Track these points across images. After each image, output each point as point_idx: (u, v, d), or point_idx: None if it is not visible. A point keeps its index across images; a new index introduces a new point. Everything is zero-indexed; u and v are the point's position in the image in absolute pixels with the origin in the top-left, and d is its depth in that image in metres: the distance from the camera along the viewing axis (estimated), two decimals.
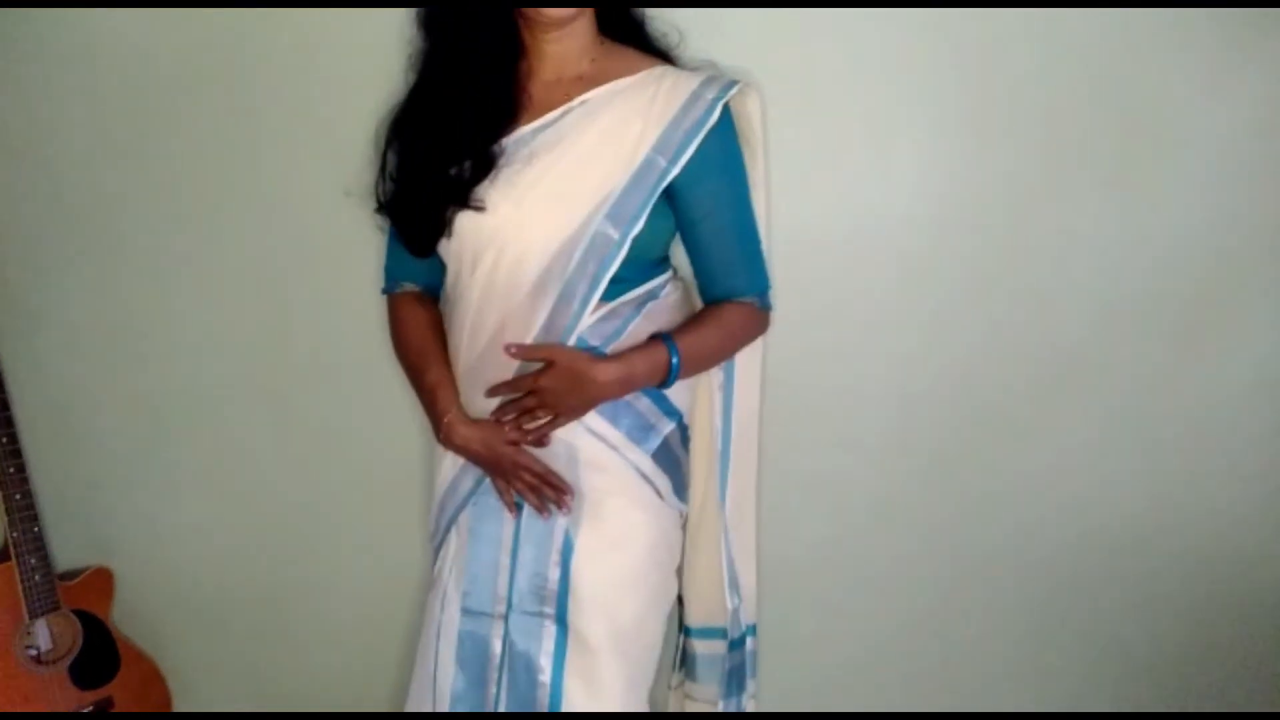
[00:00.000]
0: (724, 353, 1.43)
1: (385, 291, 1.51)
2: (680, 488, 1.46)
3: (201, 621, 1.91)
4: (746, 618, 1.58)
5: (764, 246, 1.42)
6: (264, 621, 1.90)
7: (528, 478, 1.33)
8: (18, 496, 1.68)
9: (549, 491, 1.33)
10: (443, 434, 1.38)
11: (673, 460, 1.43)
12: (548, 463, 1.34)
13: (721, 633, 1.55)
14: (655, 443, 1.39)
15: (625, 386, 1.31)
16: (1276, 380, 1.53)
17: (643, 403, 1.38)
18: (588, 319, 1.30)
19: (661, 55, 1.39)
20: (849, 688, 1.75)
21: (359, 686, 1.88)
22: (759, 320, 1.43)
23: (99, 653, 1.80)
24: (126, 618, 1.88)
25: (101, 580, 1.84)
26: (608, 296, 1.31)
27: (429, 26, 1.34)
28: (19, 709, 1.70)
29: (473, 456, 1.37)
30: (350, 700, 1.89)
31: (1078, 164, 1.47)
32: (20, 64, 1.61)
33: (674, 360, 1.31)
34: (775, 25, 1.46)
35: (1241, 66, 1.41)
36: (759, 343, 1.49)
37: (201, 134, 1.62)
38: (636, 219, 1.27)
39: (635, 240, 1.27)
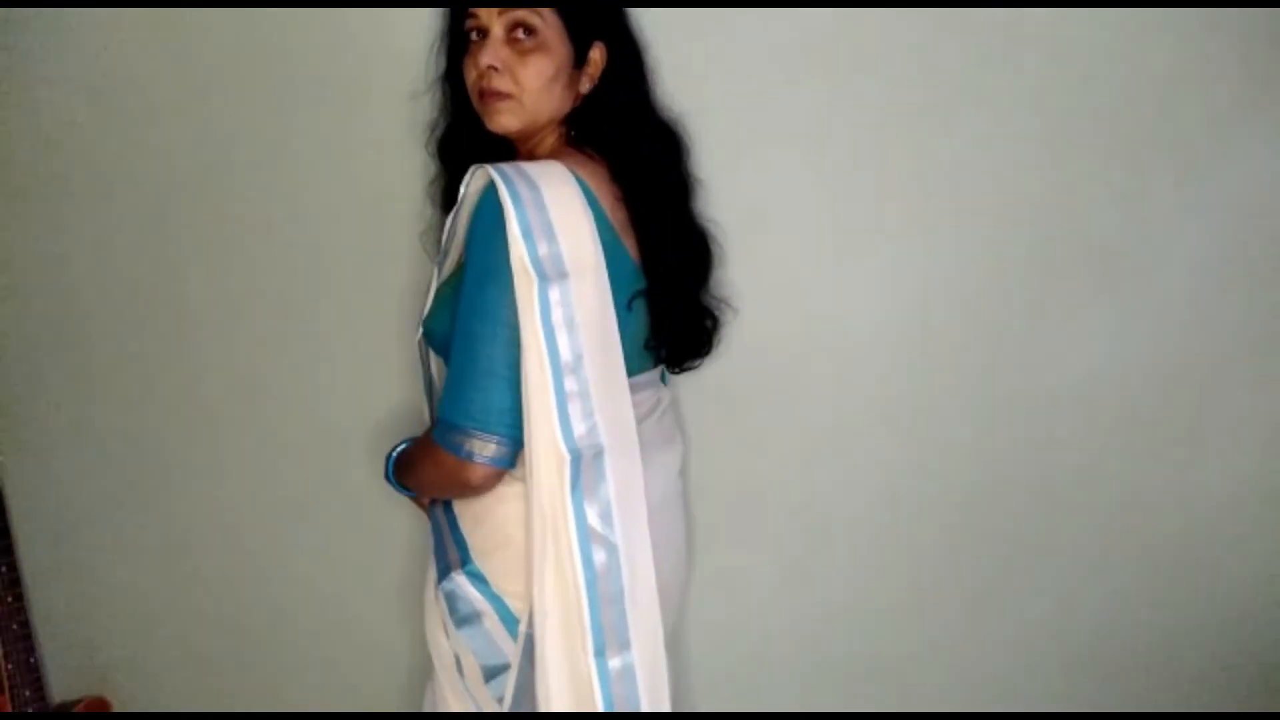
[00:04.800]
0: (423, 478, 1.25)
1: None
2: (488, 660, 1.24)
3: None
4: None
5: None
6: None
7: None
8: (15, 625, 1.66)
9: None
10: None
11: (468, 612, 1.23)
12: None
13: None
14: (442, 566, 1.28)
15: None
16: (1271, 476, 1.56)
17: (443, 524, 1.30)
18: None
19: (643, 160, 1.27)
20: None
21: None
22: (440, 461, 1.15)
23: None
24: None
25: (98, 711, 1.80)
26: None
27: (440, 156, 1.41)
28: None
29: None
30: None
31: (1060, 267, 1.50)
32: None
33: (391, 455, 1.35)
34: (742, 128, 1.49)
35: (1220, 170, 1.45)
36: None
37: (209, 235, 1.64)
38: (427, 299, 1.28)
39: (434, 326, 1.25)
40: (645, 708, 1.14)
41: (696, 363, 1.43)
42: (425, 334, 1.30)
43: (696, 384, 1.57)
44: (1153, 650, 1.67)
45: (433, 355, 1.33)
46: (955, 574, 1.66)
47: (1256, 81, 1.43)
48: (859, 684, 1.73)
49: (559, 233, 1.11)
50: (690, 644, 1.71)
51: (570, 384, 1.11)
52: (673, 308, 1.28)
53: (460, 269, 1.18)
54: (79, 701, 1.78)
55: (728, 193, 1.48)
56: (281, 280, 1.63)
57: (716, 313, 1.43)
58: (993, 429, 1.59)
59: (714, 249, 1.40)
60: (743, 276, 1.52)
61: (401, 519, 1.68)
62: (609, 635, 1.12)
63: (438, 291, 1.26)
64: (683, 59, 1.43)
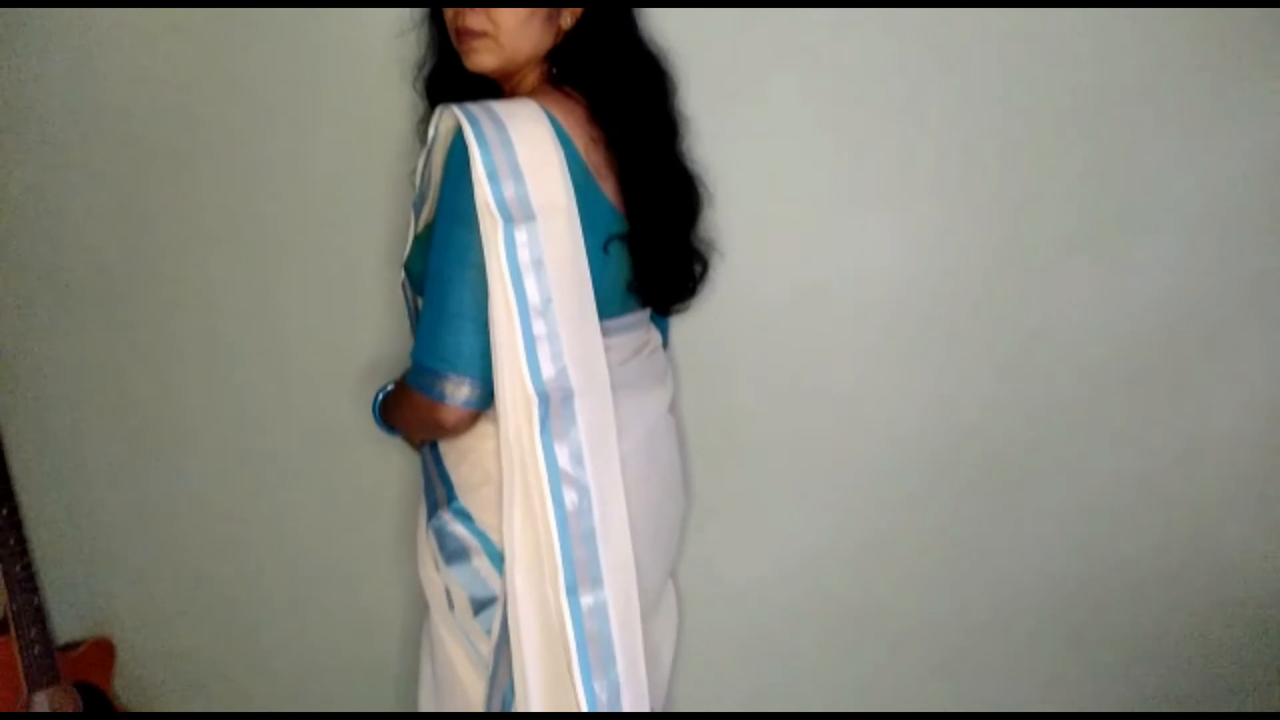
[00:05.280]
0: (403, 420, 1.29)
1: None
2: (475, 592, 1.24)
3: (203, 692, 1.89)
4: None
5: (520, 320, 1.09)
6: (266, 693, 1.88)
7: None
8: (18, 568, 1.68)
9: None
10: None
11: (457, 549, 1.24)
12: None
13: None
14: (431, 503, 1.29)
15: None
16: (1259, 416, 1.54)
17: (431, 470, 1.31)
18: None
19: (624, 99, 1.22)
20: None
21: None
22: (415, 403, 1.15)
23: None
24: (128, 689, 1.86)
25: (102, 651, 1.83)
26: None
27: (428, 95, 1.38)
28: None
29: None
30: None
31: (1051, 227, 1.47)
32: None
33: (378, 396, 1.35)
34: (746, 88, 1.46)
35: (1210, 129, 1.41)
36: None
37: (204, 205, 1.64)
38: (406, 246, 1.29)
39: (414, 268, 1.26)
40: (617, 643, 1.13)
41: (683, 306, 1.40)
42: (406, 275, 1.29)
43: (687, 329, 1.55)
44: (1147, 605, 1.64)
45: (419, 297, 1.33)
46: (949, 521, 1.63)
47: (1246, 59, 1.39)
48: (848, 626, 1.71)
49: (526, 173, 1.09)
50: (681, 584, 1.70)
51: (539, 327, 1.09)
52: (656, 252, 1.25)
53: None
54: (84, 643, 1.81)
55: (718, 134, 1.44)
56: (271, 222, 1.62)
57: (706, 256, 1.40)
58: (988, 374, 1.55)
59: (701, 191, 1.36)
60: (734, 220, 1.48)
61: (396, 458, 1.69)
62: (580, 572, 1.12)
63: (417, 233, 1.25)
64: None
